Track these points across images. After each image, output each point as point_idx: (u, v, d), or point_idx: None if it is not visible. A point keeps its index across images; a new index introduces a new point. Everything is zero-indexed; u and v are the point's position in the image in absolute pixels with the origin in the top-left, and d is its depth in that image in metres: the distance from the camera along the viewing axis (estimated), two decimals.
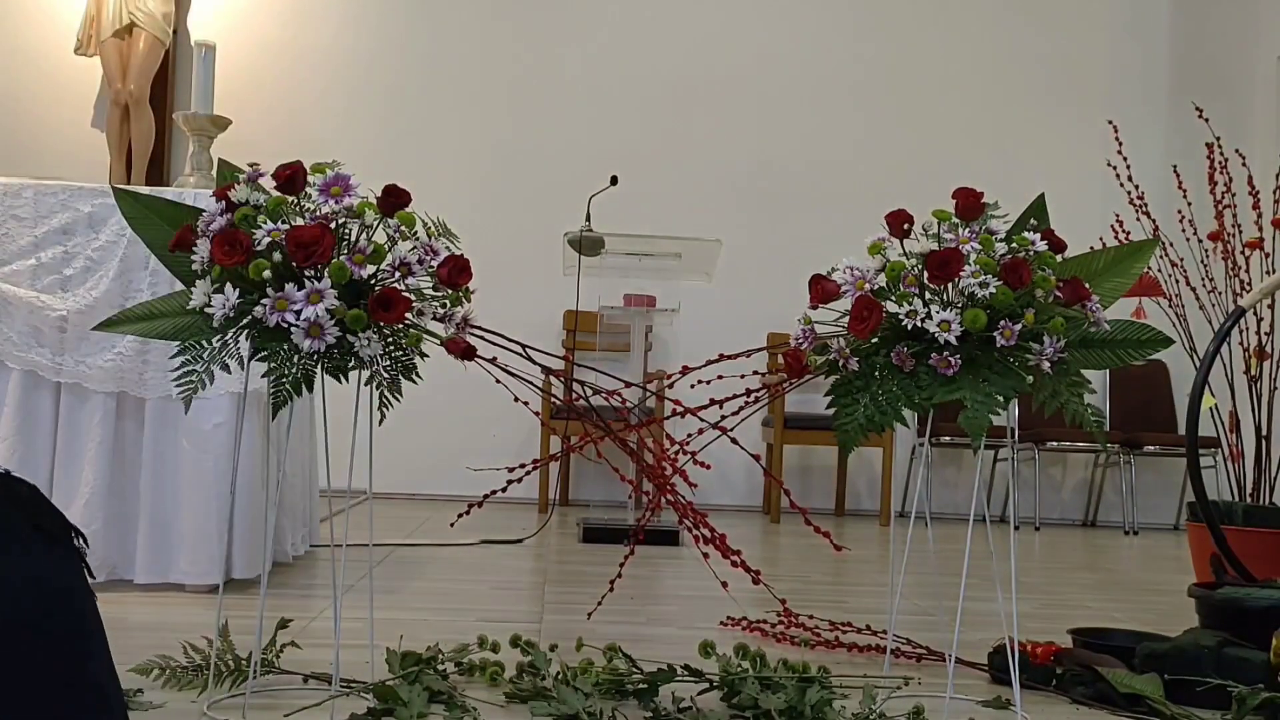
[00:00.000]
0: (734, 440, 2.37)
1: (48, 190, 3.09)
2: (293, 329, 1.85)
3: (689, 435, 2.29)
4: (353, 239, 1.94)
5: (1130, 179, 3.94)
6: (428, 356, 2.04)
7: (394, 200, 1.96)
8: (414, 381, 2.02)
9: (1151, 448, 6.11)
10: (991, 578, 2.32)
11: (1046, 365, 2.00)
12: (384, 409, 1.98)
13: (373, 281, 1.94)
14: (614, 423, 2.34)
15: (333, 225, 1.91)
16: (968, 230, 2.04)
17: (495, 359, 2.15)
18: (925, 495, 2.87)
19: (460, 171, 6.12)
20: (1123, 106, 6.26)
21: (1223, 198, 3.67)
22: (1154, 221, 3.78)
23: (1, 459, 3.01)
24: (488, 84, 6.26)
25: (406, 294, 1.93)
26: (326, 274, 1.87)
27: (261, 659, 2.17)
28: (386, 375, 1.98)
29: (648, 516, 2.54)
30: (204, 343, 1.97)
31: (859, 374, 2.06)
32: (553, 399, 2.94)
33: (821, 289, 2.09)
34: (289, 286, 1.85)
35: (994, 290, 1.94)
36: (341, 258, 1.89)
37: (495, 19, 6.30)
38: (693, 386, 2.37)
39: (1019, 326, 1.96)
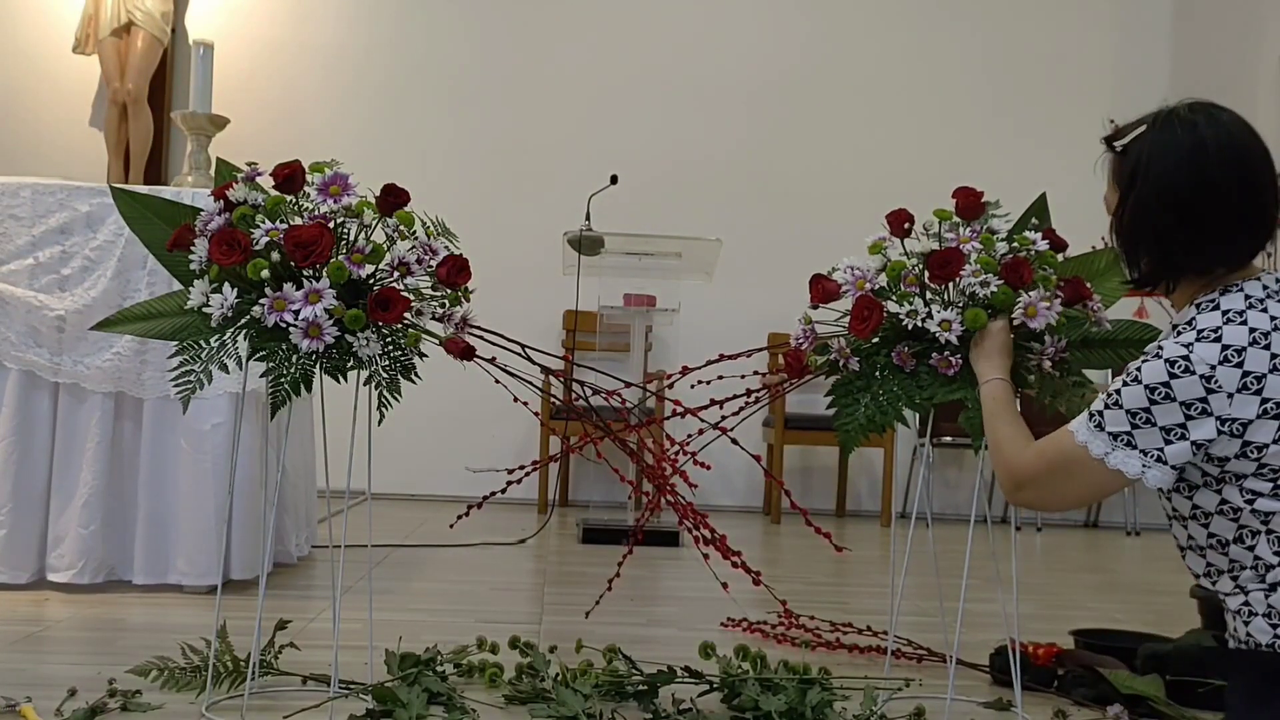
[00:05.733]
0: (734, 441, 2.36)
1: (45, 189, 3.08)
2: (291, 329, 1.84)
3: (689, 435, 2.28)
4: (351, 238, 1.94)
5: None
6: (427, 356, 2.04)
7: (393, 199, 1.96)
8: (413, 381, 2.02)
9: None
10: (993, 579, 2.31)
11: (1048, 365, 2.00)
12: (383, 409, 1.97)
13: (371, 281, 1.93)
14: (614, 423, 2.33)
15: (331, 225, 1.90)
16: (969, 229, 2.03)
17: (495, 359, 2.14)
18: (926, 496, 2.86)
19: (459, 171, 6.11)
20: (1123, 106, 6.23)
21: None
22: None
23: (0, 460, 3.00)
24: (487, 83, 6.25)
25: (405, 294, 1.93)
26: (325, 274, 1.86)
27: (260, 660, 2.17)
28: (385, 375, 1.97)
29: (647, 517, 2.53)
30: (202, 343, 1.96)
31: (860, 374, 2.05)
32: (552, 399, 2.93)
33: (822, 289, 2.09)
34: (287, 286, 1.85)
35: (995, 290, 1.93)
36: (340, 257, 1.88)
37: (494, 18, 6.29)
38: (693, 387, 2.36)
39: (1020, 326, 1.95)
